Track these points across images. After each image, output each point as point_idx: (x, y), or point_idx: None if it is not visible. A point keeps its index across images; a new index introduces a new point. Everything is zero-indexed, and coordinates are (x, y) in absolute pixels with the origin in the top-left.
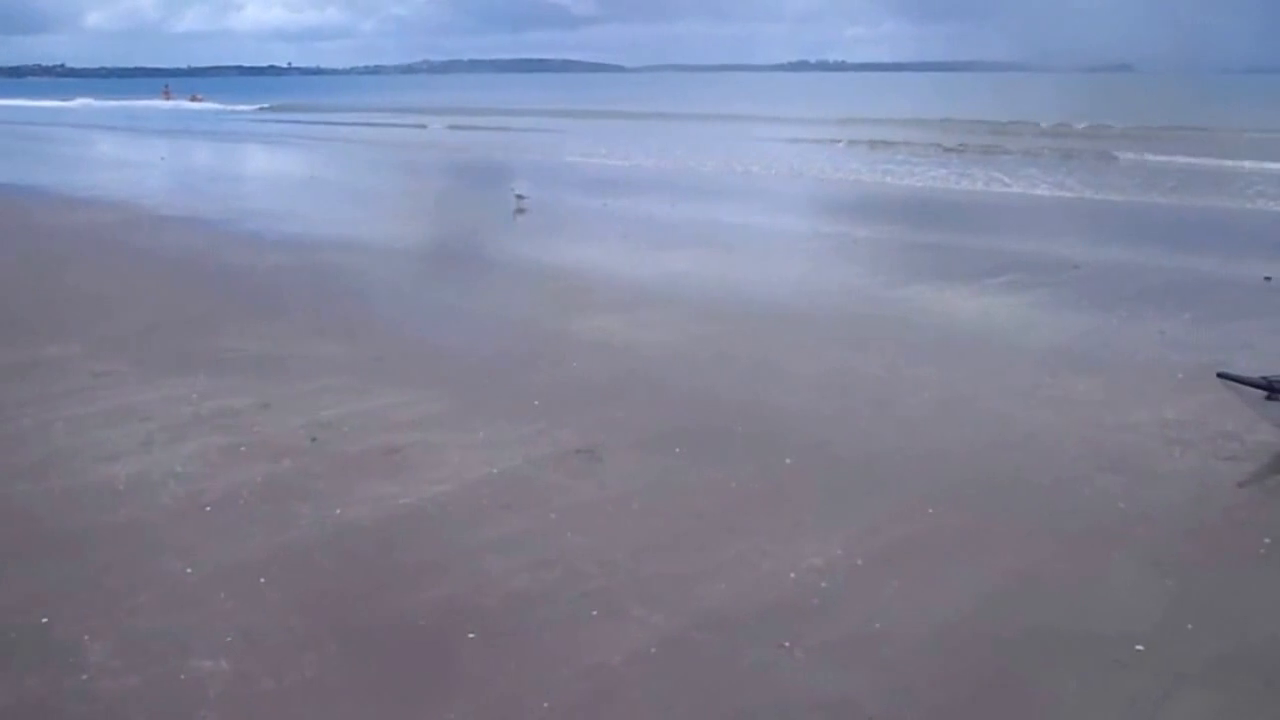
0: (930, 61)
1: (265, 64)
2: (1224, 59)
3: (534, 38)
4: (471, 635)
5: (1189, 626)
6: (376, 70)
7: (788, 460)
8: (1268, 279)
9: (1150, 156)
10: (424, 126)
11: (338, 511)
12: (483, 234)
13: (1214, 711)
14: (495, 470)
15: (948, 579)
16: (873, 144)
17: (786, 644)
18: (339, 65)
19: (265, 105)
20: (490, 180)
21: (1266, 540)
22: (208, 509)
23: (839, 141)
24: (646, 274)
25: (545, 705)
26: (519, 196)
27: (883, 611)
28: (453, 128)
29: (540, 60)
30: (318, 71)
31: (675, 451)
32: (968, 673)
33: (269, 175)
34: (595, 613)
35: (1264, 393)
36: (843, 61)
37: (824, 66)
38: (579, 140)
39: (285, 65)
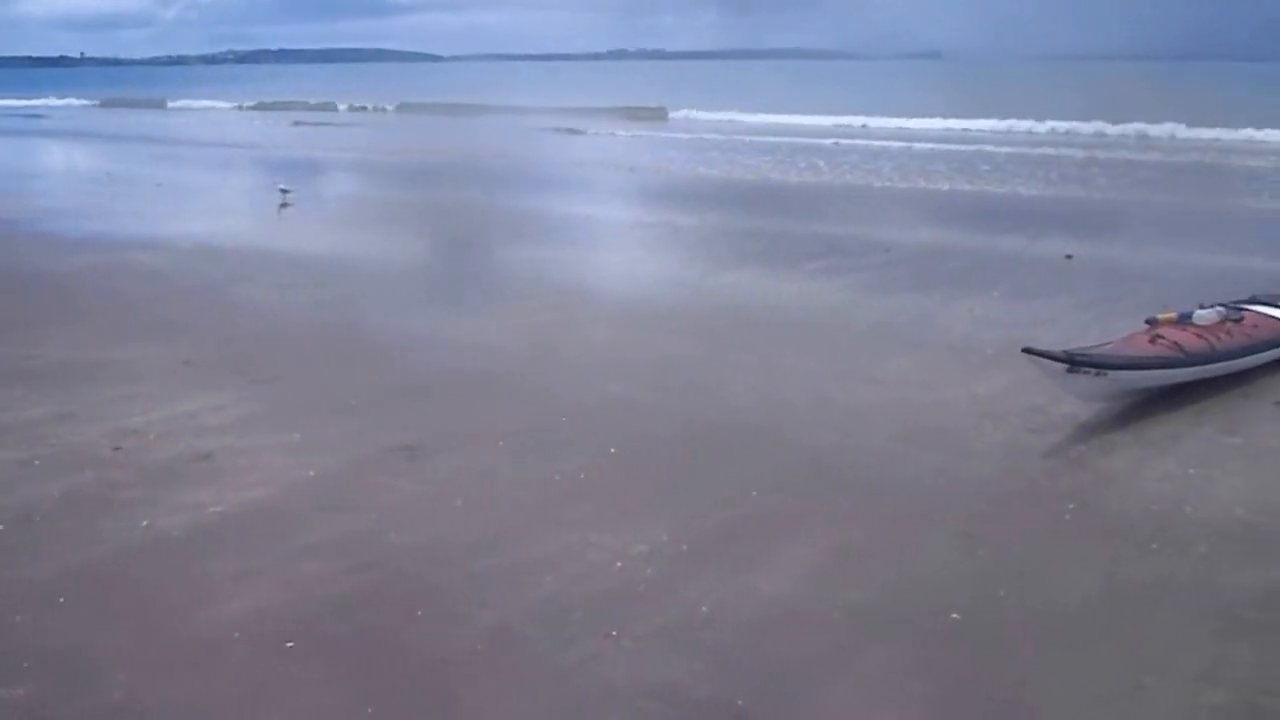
0: (750, 49)
1: (56, 54)
2: (1032, 46)
3: (346, 27)
4: (290, 644)
5: (1001, 593)
6: (179, 61)
7: (612, 450)
8: (1069, 257)
9: (924, 146)
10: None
11: (145, 523)
12: (285, 228)
13: (1027, 672)
14: (313, 473)
15: (771, 560)
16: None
17: (614, 633)
18: (138, 55)
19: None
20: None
21: (1071, 506)
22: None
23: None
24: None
25: (369, 711)
26: (283, 191)
27: (708, 596)
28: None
29: (352, 50)
30: (115, 62)
31: (499, 446)
32: (792, 651)
33: (65, 173)
34: (420, 613)
35: (1065, 366)
36: (661, 49)
37: (643, 54)
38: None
39: (78, 56)
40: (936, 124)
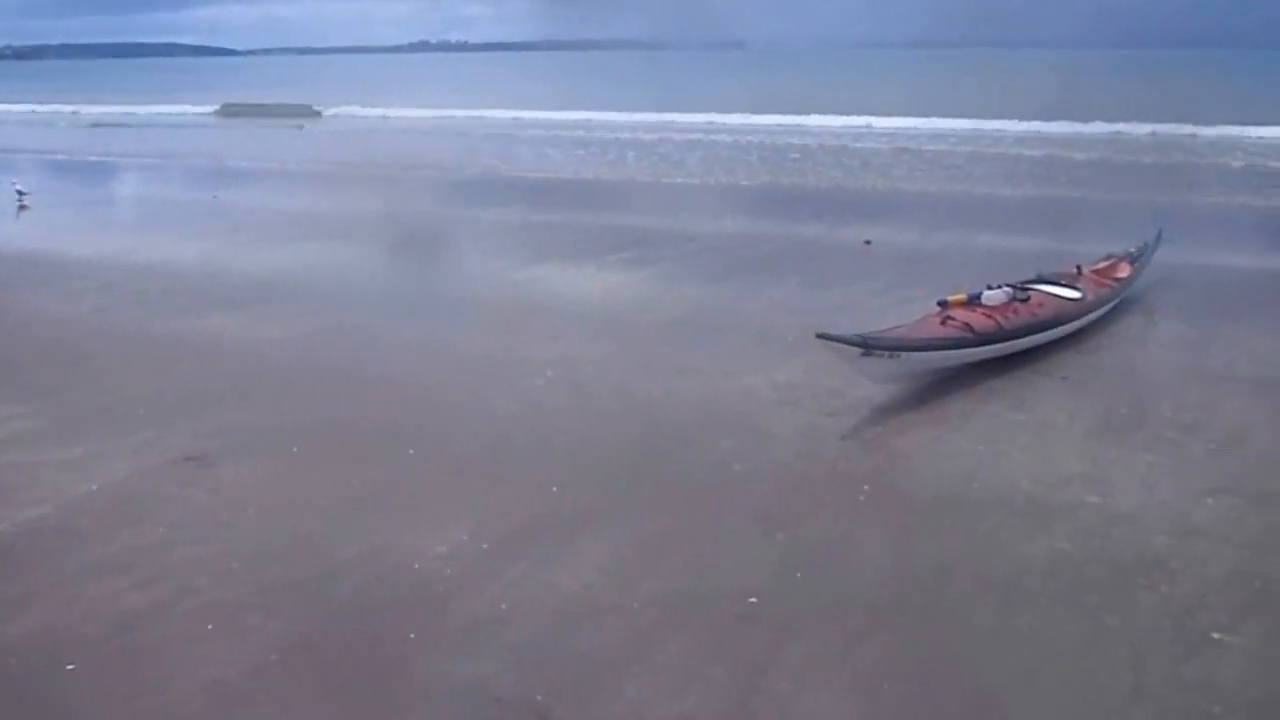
0: (556, 40)
1: None
2: (836, 35)
3: (136, 20)
4: (71, 666)
5: (798, 575)
6: None
7: (411, 451)
8: (868, 243)
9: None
10: None
11: None
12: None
13: (821, 652)
14: (96, 487)
15: (574, 554)
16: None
17: (413, 635)
18: None
19: None
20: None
21: (866, 487)
22: None
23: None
24: (263, 269)
25: None
26: (20, 193)
27: (509, 593)
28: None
29: (141, 44)
30: None
31: (293, 451)
32: (592, 644)
33: None
34: (211, 626)
35: (860, 350)
36: (465, 41)
37: (446, 47)
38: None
39: None
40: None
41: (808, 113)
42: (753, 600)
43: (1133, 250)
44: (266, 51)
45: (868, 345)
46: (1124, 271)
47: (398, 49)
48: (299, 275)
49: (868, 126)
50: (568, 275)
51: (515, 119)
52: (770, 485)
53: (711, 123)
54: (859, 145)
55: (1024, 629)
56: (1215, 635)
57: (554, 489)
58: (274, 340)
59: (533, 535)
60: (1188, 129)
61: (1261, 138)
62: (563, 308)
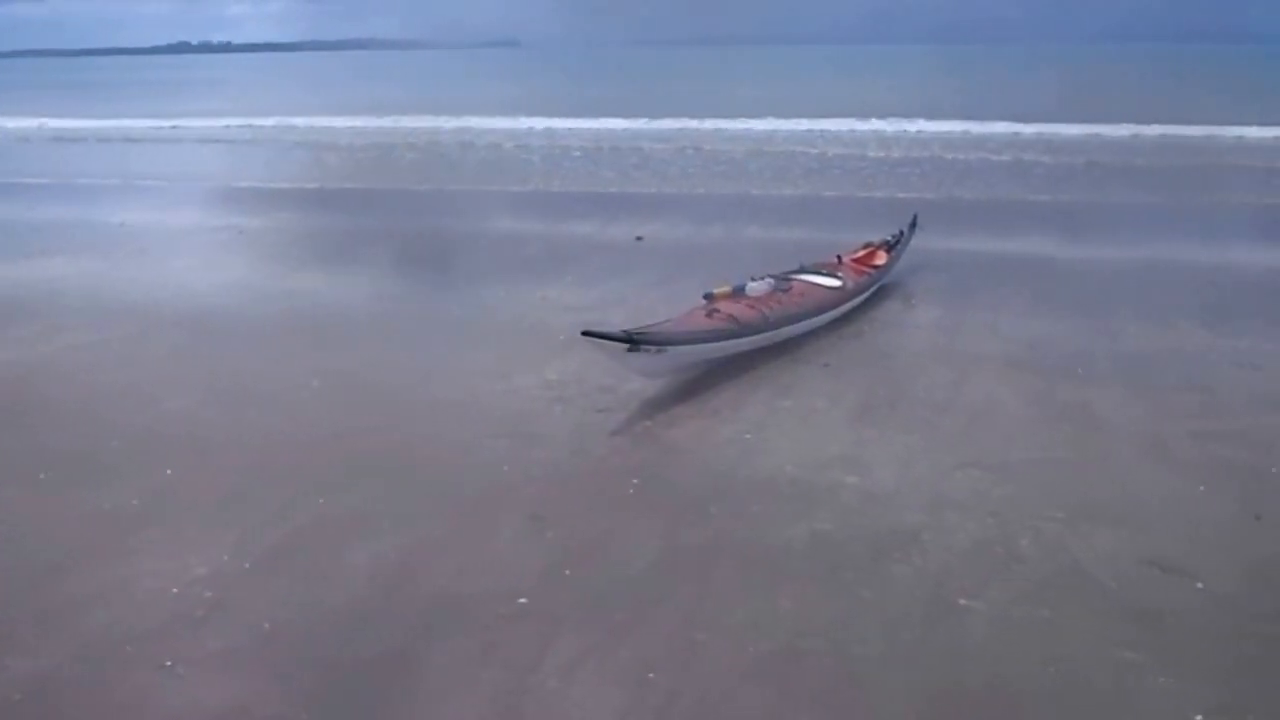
0: (323, 40)
1: None
2: (610, 34)
3: None
4: None
5: (567, 573)
6: None
7: (169, 472)
8: (639, 239)
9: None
10: None
11: None
12: None
13: (590, 646)
14: None
15: (338, 567)
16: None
17: (169, 662)
18: None
19: None
20: None
21: (635, 481)
22: None
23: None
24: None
25: None
26: None
27: (274, 611)
28: None
29: None
30: None
31: (40, 478)
32: (363, 656)
33: None
34: None
35: (626, 345)
36: (228, 42)
37: (208, 48)
38: None
39: None
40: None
41: (591, 116)
42: (522, 600)
43: (890, 238)
44: (13, 55)
45: (634, 340)
46: (881, 259)
47: (157, 50)
48: (29, 293)
49: (647, 125)
50: (332, 283)
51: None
52: (540, 484)
53: (468, 126)
54: (638, 144)
55: (786, 609)
56: (962, 602)
57: (320, 501)
58: (18, 362)
59: (298, 549)
60: (959, 125)
61: (1018, 133)
62: (328, 316)
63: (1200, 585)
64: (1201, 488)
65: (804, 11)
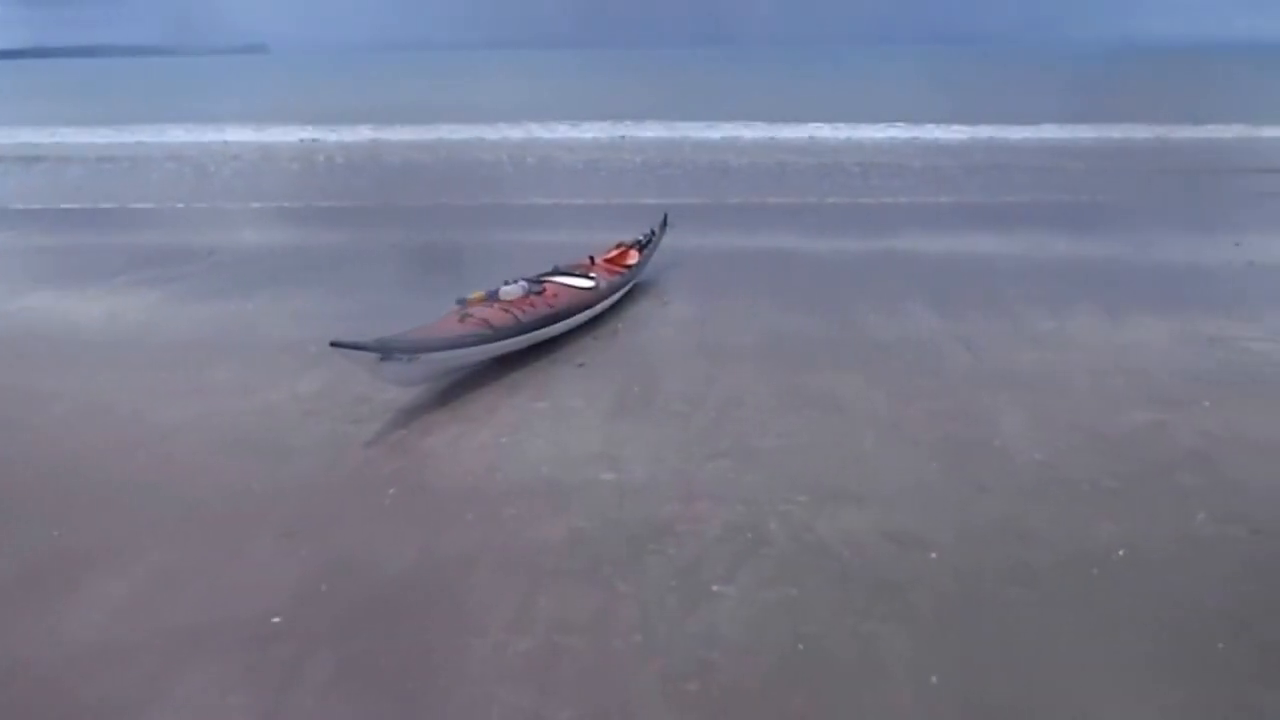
0: (53, 47)
1: None
2: (365, 38)
3: None
4: None
5: (323, 588)
6: None
7: None
8: (393, 246)
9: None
10: None
11: None
12: None
13: (347, 661)
14: None
15: (80, 598)
16: None
17: None
18: None
19: None
20: None
21: (391, 491)
22: None
23: None
24: None
25: None
26: None
27: (5, 652)
28: None
29: None
30: None
31: None
32: (106, 692)
33: None
34: None
35: (378, 355)
36: None
37: None
38: None
39: None
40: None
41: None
42: (276, 620)
43: (641, 237)
44: None
45: (386, 349)
46: (634, 258)
47: None
48: None
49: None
50: (72, 302)
51: None
52: (292, 500)
53: (227, 141)
54: (395, 152)
55: (545, 607)
56: (714, 588)
57: (55, 533)
58: None
59: (33, 584)
60: (713, 130)
61: (774, 138)
62: (68, 336)
63: (934, 555)
64: (934, 464)
65: (564, 14)
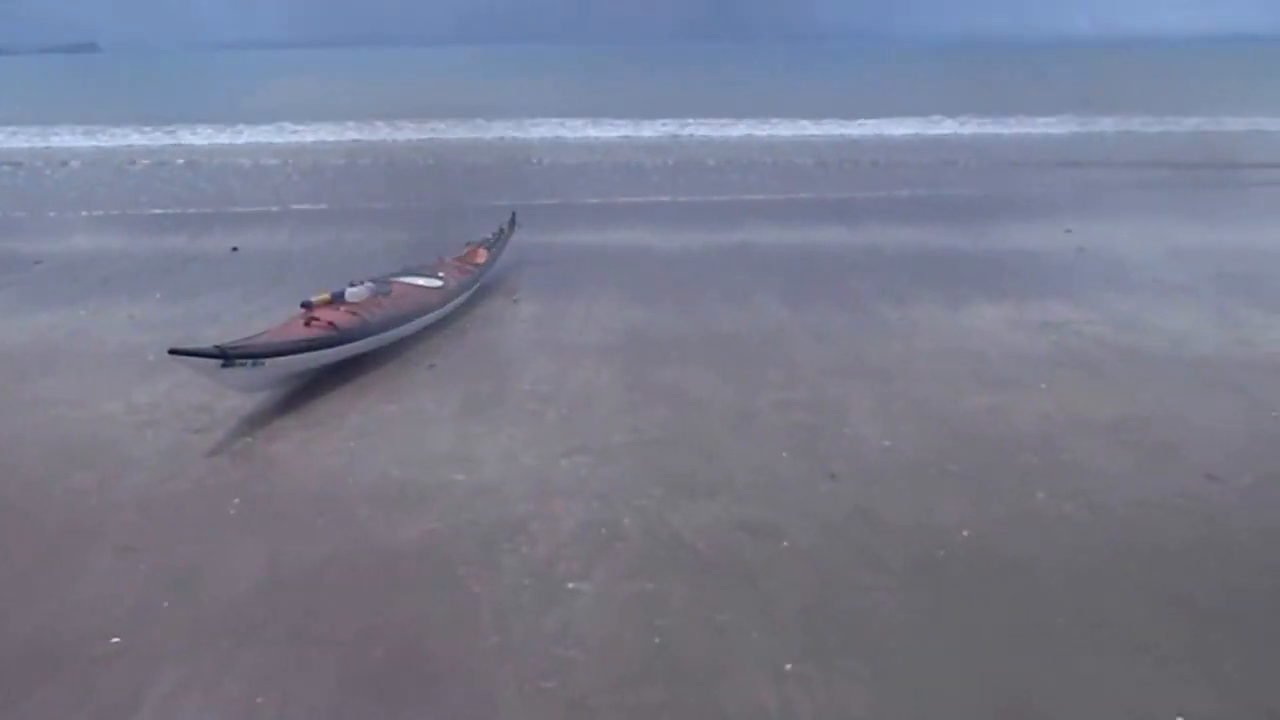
0: None
1: None
2: (196, 35)
3: None
4: None
5: (165, 604)
6: None
7: None
8: (235, 250)
9: None
10: None
11: None
12: None
13: (193, 677)
14: None
15: None
16: None
17: None
18: None
19: None
20: None
21: (236, 500)
22: None
23: None
24: None
25: None
26: None
27: None
28: None
29: None
30: None
31: None
32: None
33: None
34: None
35: (220, 361)
36: None
37: None
38: None
39: None
40: None
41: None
42: (116, 640)
43: (490, 236)
44: None
45: (228, 356)
46: (482, 257)
47: None
48: None
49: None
50: None
51: None
52: (131, 514)
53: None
54: (223, 156)
55: (398, 612)
56: (570, 585)
57: None
58: None
59: None
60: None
61: (629, 136)
62: None
63: (786, 544)
64: (784, 453)
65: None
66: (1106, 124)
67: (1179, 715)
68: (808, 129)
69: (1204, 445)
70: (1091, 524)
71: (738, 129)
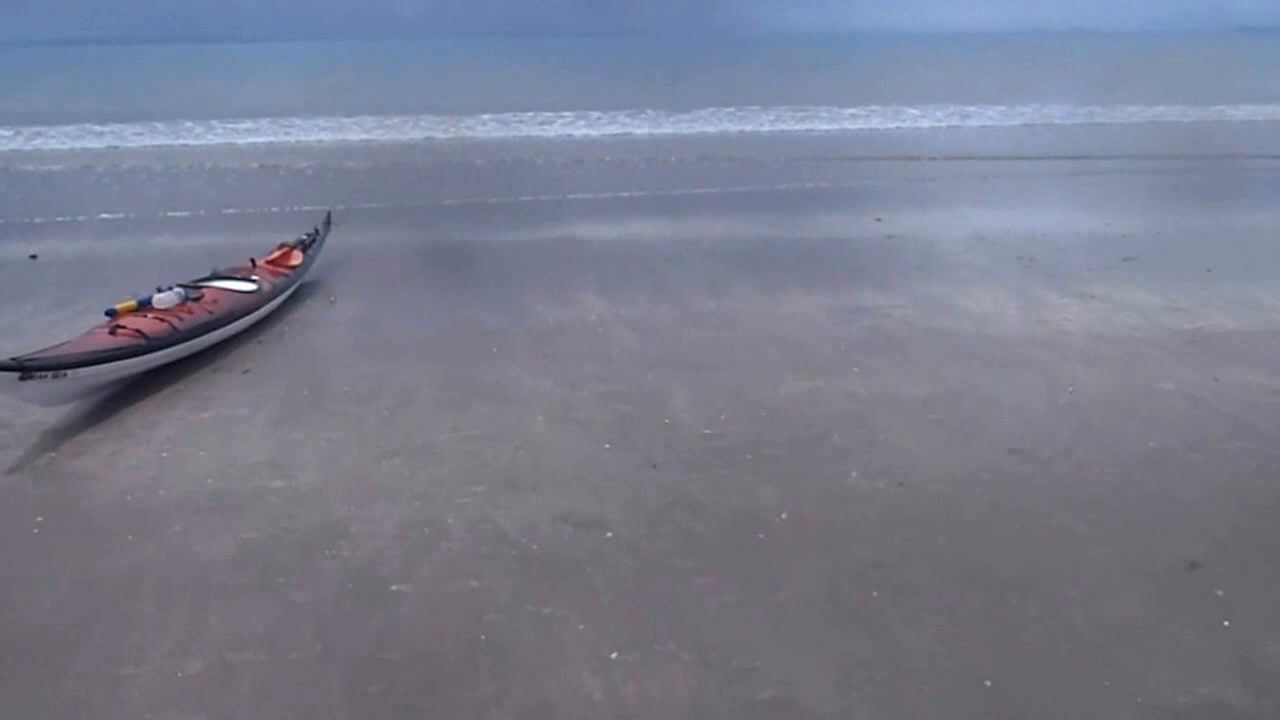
0: None
1: None
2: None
3: None
4: None
5: None
6: None
7: None
8: (34, 257)
9: None
10: None
11: None
12: None
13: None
14: None
15: None
16: None
17: None
18: None
19: None
20: None
21: (40, 519)
22: None
23: None
24: None
25: None
26: None
27: None
28: None
29: None
30: None
31: None
32: None
33: None
34: None
35: (18, 374)
36: None
37: None
38: None
39: None
40: None
41: None
42: None
43: (305, 237)
44: None
45: (26, 369)
46: (297, 259)
47: None
48: None
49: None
50: None
51: None
52: None
53: None
54: (20, 162)
55: (216, 625)
56: (393, 587)
57: None
58: None
59: None
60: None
61: (431, 136)
62: None
63: (610, 535)
64: (607, 445)
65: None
66: (913, 115)
67: (986, 680)
68: (629, 125)
69: (1007, 421)
70: (902, 500)
71: (554, 127)
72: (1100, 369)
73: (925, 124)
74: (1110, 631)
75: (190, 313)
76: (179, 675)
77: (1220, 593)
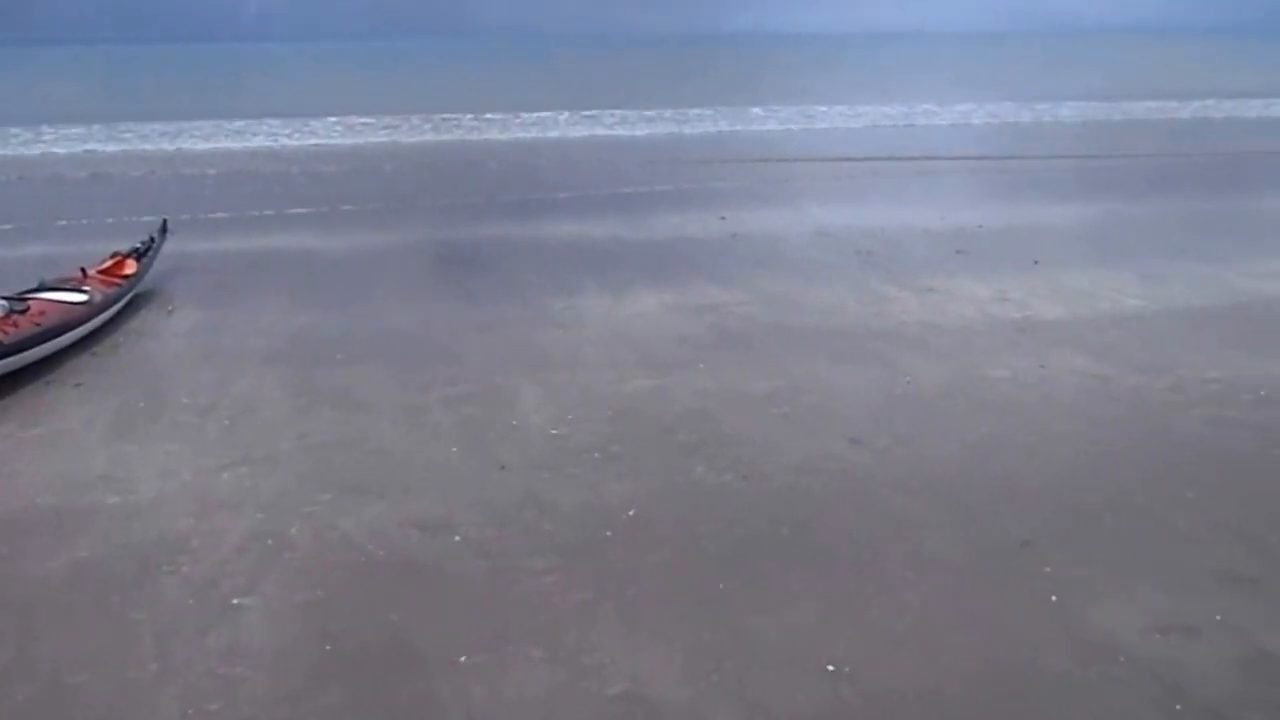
0: None
1: None
2: None
3: None
4: None
5: None
6: None
7: None
8: None
9: None
10: None
11: None
12: None
13: None
14: None
15: None
16: None
17: None
18: None
19: None
20: None
21: None
22: None
23: None
24: None
25: None
26: None
27: None
28: None
29: None
30: None
31: None
32: None
33: None
34: None
35: None
36: None
37: None
38: None
39: None
40: None
41: None
42: None
43: (139, 245)
44: None
45: None
46: (131, 268)
47: None
48: None
49: None
50: None
51: None
52: None
53: None
54: None
55: (47, 650)
56: (235, 601)
57: None
58: None
59: None
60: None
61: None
62: None
63: (458, 537)
64: (454, 448)
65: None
66: (759, 116)
67: (829, 664)
68: (475, 130)
69: (848, 411)
70: (747, 491)
71: (397, 132)
72: (936, 359)
73: (771, 125)
74: (946, 610)
75: (16, 326)
76: (9, 702)
77: (1048, 569)
